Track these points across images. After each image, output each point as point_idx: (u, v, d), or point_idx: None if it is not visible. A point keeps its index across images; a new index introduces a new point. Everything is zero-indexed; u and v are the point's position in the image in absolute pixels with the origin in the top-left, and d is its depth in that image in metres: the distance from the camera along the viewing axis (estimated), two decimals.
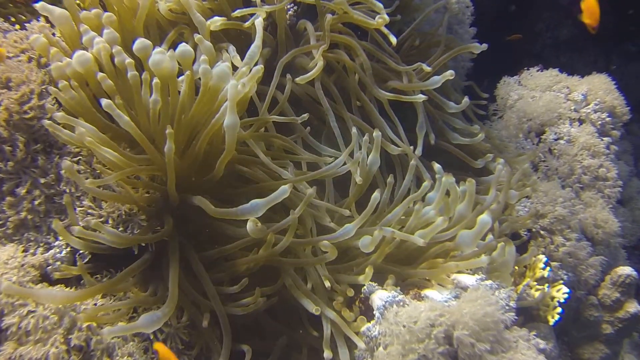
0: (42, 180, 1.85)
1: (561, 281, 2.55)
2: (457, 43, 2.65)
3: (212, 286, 1.84)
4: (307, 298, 1.91)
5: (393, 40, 2.25)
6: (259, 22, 1.98)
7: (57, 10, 1.92)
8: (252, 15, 2.19)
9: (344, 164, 2.06)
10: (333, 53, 2.33)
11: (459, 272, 1.98)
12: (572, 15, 3.84)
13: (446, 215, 2.00)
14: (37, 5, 1.91)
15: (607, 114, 2.96)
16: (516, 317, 1.85)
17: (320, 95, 2.22)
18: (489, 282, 1.99)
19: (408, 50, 2.54)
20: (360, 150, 2.10)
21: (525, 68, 3.45)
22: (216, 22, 2.14)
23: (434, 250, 2.00)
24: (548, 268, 2.46)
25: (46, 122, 1.76)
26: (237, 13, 2.19)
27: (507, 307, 1.93)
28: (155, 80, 1.75)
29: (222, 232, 1.93)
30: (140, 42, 1.84)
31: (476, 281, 1.98)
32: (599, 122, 2.94)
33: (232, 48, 2.11)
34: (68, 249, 1.88)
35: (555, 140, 2.91)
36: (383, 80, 2.40)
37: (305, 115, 2.17)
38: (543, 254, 2.56)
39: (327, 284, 1.91)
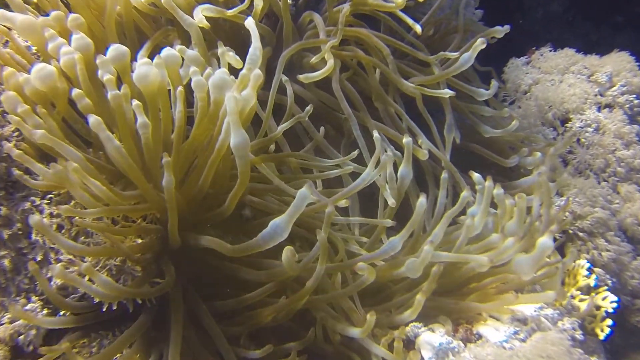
0: (7, 233, 1.48)
1: (605, 287, 2.28)
2: (477, 27, 2.33)
3: (229, 346, 1.50)
4: (348, 325, 1.59)
5: (418, 29, 1.91)
6: (250, 22, 1.61)
7: (20, 17, 1.53)
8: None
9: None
10: (344, 50, 1.98)
11: None
12: None
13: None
14: None
15: (635, 97, 2.68)
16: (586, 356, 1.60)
17: (340, 97, 1.87)
18: (549, 310, 1.73)
19: (425, 40, 2.20)
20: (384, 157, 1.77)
21: (534, 47, 3.18)
22: (202, 18, 1.76)
23: (490, 279, 1.70)
24: (594, 276, 2.20)
25: (16, 152, 1.40)
26: None
27: (574, 341, 1.68)
28: (135, 102, 1.39)
29: (236, 276, 1.58)
30: (114, 50, 1.48)
31: (535, 311, 1.70)
32: (628, 106, 2.66)
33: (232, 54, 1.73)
34: (46, 311, 1.52)
35: (582, 128, 2.62)
36: (404, 78, 2.06)
37: (309, 108, 1.84)
38: (584, 258, 2.29)
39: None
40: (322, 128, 1.86)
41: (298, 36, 1.99)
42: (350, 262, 1.66)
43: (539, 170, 1.88)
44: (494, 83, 2.24)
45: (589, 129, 2.61)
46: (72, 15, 1.56)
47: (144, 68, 1.39)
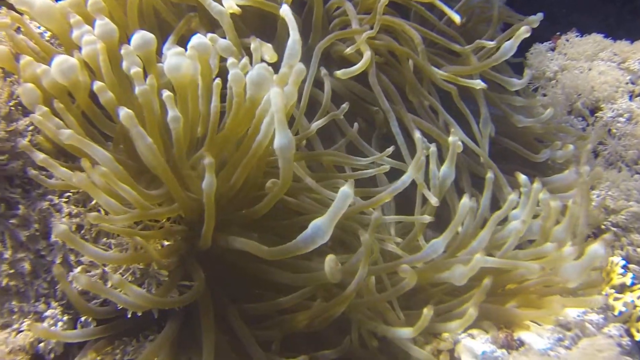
0: (25, 234, 1.38)
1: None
2: (512, 15, 2.22)
3: (262, 353, 1.42)
4: (393, 327, 1.49)
5: (456, 19, 1.80)
6: (286, 10, 1.48)
7: (38, 1, 1.42)
8: None
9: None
10: (377, 39, 1.86)
11: None
12: None
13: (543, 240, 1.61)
14: None
15: None
16: None
17: (378, 92, 1.77)
18: (593, 315, 1.64)
19: (458, 28, 2.08)
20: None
21: (559, 33, 3.06)
22: (232, 4, 1.64)
23: (532, 281, 1.61)
24: (630, 274, 2.11)
25: (41, 157, 1.29)
26: None
27: (621, 347, 1.60)
28: (166, 93, 1.28)
29: (266, 278, 1.49)
30: (140, 37, 1.37)
31: (579, 316, 1.62)
32: None
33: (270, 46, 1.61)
34: (66, 318, 1.44)
35: (613, 118, 2.52)
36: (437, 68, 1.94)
37: (345, 106, 1.74)
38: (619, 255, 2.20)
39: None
40: (355, 124, 1.76)
41: (327, 23, 1.88)
42: (392, 264, 1.57)
43: (578, 169, 1.78)
44: (527, 72, 2.14)
45: (621, 119, 2.51)
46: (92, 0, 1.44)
47: (176, 59, 1.28)
